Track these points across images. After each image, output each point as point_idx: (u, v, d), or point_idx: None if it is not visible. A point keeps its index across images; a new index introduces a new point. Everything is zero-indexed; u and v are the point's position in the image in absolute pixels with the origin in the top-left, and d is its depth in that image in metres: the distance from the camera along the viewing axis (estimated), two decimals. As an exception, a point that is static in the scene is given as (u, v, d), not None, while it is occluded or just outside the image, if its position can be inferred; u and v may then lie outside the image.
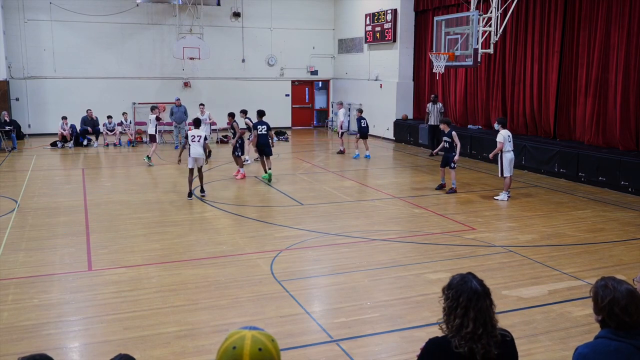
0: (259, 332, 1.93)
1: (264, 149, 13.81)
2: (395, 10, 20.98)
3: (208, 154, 11.89)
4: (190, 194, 11.72)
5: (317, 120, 27.00)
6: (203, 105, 19.94)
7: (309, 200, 11.67)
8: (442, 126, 12.80)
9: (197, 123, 12.22)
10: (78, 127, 20.10)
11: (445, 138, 12.49)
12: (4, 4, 20.99)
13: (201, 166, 11.87)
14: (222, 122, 22.45)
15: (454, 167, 12.40)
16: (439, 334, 2.71)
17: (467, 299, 2.58)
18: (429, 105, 17.92)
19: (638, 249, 8.57)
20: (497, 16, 14.73)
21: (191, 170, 11.71)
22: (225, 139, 21.00)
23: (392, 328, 5.91)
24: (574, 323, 5.95)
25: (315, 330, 5.87)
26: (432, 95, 18.20)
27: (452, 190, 12.44)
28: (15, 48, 21.26)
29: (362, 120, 17.25)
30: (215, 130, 21.62)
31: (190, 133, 11.82)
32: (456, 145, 12.28)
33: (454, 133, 12.36)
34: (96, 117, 20.37)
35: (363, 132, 17.18)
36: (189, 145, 11.62)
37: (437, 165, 16.32)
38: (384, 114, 21.98)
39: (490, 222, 10.01)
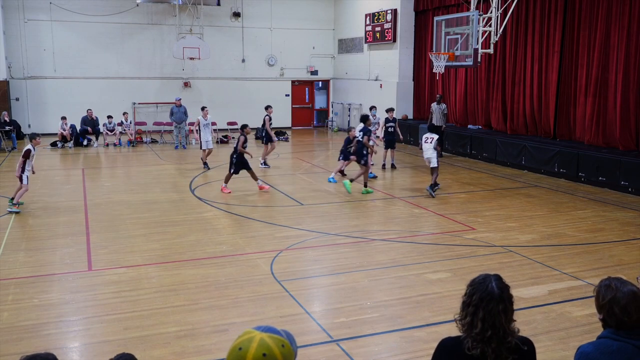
0: (269, 335, 1.85)
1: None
2: (395, 10, 20.98)
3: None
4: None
5: (317, 120, 27.01)
6: (206, 108, 16.32)
7: (309, 200, 11.67)
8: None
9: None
10: (78, 127, 20.10)
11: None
12: (4, 4, 21.00)
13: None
14: (222, 123, 22.58)
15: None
16: (440, 333, 2.69)
17: (479, 299, 2.54)
18: (433, 104, 17.82)
19: (638, 249, 8.57)
20: (497, 16, 14.74)
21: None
22: (225, 139, 21.01)
23: (392, 328, 5.90)
24: (574, 323, 5.95)
25: (315, 330, 5.87)
26: (438, 95, 18.03)
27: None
28: (15, 48, 21.27)
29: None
30: (215, 130, 21.60)
31: None
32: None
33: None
34: (96, 117, 20.37)
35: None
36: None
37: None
38: (384, 114, 21.94)
39: (490, 222, 10.00)
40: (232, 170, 12.29)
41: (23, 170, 10.61)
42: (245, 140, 12.35)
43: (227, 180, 12.42)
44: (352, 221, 10.12)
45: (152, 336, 5.67)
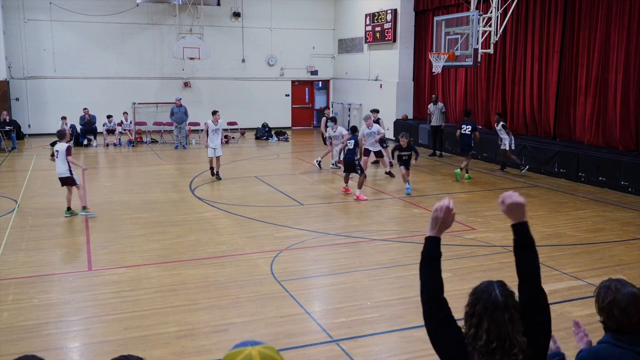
0: (262, 346, 1.79)
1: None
2: (395, 10, 20.97)
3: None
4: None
5: (317, 120, 26.98)
6: (218, 112, 14.31)
7: (309, 200, 11.67)
8: None
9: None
10: (78, 127, 20.08)
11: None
12: (4, 4, 20.99)
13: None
14: (222, 123, 22.53)
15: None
16: None
17: (483, 308, 2.42)
18: (430, 105, 17.89)
19: (638, 249, 8.57)
20: (497, 16, 14.73)
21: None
22: (225, 140, 20.98)
23: (392, 328, 5.91)
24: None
25: (315, 330, 5.87)
26: (433, 96, 18.17)
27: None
28: (15, 48, 21.26)
29: None
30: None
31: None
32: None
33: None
34: (94, 116, 20.20)
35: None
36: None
37: (436, 165, 16.33)
38: (384, 114, 21.81)
39: (490, 222, 10.00)
40: (360, 172, 11.87)
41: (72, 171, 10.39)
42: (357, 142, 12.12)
43: (360, 186, 11.86)
44: (352, 221, 10.12)
45: (152, 336, 5.68)
